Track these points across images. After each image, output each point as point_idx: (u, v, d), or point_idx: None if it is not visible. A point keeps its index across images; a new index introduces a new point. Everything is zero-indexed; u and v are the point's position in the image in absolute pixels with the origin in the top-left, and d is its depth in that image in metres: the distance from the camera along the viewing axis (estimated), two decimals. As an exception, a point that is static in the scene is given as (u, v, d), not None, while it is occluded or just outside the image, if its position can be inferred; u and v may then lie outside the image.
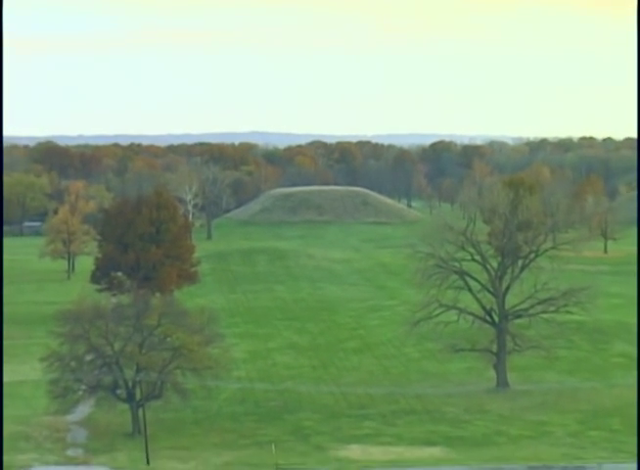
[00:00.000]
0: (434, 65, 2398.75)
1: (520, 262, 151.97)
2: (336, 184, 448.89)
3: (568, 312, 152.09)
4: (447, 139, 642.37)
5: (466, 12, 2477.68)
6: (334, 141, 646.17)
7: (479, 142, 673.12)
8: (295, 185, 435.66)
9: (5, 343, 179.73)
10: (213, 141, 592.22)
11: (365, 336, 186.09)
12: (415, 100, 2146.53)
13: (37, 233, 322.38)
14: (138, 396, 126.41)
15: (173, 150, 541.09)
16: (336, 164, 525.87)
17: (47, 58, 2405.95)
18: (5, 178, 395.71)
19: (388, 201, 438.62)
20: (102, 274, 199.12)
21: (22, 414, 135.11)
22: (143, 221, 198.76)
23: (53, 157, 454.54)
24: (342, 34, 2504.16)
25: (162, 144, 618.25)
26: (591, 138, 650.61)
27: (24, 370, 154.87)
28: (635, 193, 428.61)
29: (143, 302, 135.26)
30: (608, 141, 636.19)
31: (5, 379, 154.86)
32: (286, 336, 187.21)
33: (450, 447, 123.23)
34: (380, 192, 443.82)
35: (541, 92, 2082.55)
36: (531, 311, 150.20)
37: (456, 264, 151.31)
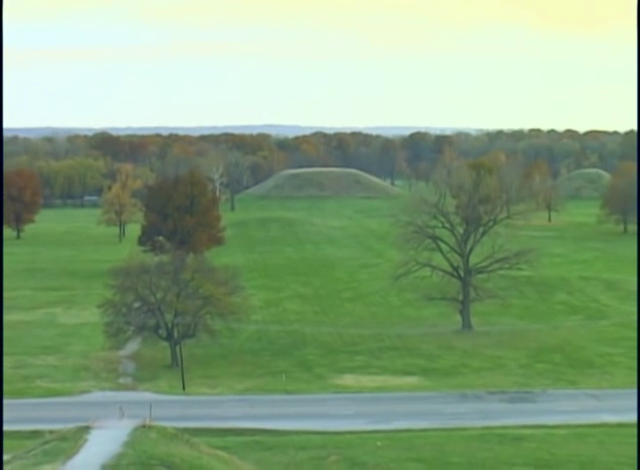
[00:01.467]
0: (413, 70, 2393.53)
1: (481, 229, 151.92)
2: (334, 166, 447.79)
3: (519, 269, 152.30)
4: (423, 130, 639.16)
5: (439, 29, 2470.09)
6: (332, 132, 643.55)
7: (448, 133, 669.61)
8: (301, 167, 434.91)
9: (69, 293, 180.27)
10: (236, 132, 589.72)
11: (357, 288, 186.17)
12: (398, 99, 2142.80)
13: (95, 205, 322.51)
14: (176, 335, 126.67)
15: (204, 139, 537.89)
16: (334, 150, 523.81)
17: (103, 65, 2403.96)
18: (69, 161, 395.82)
19: (376, 180, 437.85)
20: (146, 238, 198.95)
21: (83, 350, 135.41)
22: (179, 196, 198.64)
23: (107, 144, 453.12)
24: (340, 46, 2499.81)
25: (195, 134, 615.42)
26: (538, 130, 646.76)
27: (85, 315, 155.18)
28: (574, 173, 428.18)
29: (180, 260, 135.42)
30: (552, 132, 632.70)
31: (69, 322, 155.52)
32: (293, 288, 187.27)
33: (425, 377, 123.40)
34: (369, 173, 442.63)
35: (498, 92, 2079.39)
36: (490, 268, 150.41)
37: (430, 231, 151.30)
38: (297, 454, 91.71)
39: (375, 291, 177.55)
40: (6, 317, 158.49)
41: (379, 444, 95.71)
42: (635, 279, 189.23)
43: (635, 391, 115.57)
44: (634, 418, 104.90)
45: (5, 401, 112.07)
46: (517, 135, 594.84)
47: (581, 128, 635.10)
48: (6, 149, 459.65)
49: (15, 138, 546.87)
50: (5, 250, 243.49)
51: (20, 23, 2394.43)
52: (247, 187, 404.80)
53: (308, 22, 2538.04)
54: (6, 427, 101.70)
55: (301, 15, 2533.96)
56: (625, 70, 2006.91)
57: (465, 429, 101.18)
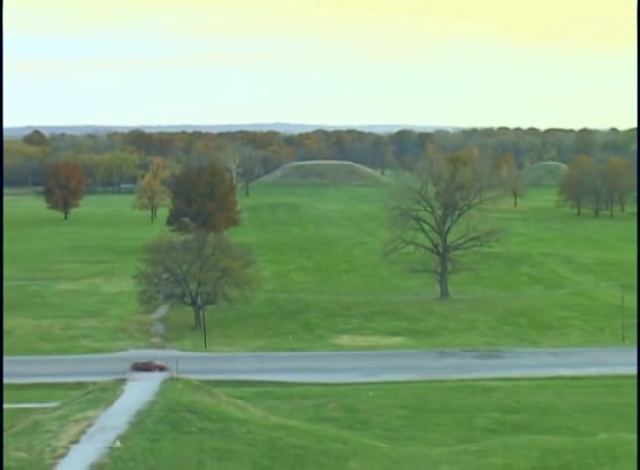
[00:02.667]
0: (400, 77, 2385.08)
1: (457, 212, 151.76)
2: (332, 159, 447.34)
3: (489, 246, 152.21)
4: (408, 128, 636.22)
5: (422, 42, 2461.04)
6: (331, 130, 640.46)
7: (429, 131, 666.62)
8: (304, 159, 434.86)
9: (108, 266, 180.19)
10: (249, 130, 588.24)
11: (352, 261, 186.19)
12: (387, 101, 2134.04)
13: (130, 192, 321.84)
14: (199, 302, 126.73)
15: (222, 136, 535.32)
16: (332, 145, 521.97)
17: (137, 72, 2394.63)
18: (108, 155, 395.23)
19: (368, 170, 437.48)
20: (174, 220, 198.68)
21: (121, 314, 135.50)
22: (202, 184, 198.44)
23: (141, 140, 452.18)
24: (338, 57, 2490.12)
25: (215, 132, 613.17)
26: (506, 128, 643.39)
27: (122, 284, 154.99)
28: (536, 165, 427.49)
29: (202, 238, 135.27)
30: (517, 130, 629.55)
31: (109, 290, 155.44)
32: (298, 261, 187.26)
33: (409, 337, 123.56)
34: (362, 164, 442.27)
35: (471, 96, 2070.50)
36: (465, 245, 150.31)
37: (414, 213, 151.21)
38: (302, 402, 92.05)
39: (367, 264, 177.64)
40: (56, 287, 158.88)
41: (370, 393, 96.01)
42: (588, 254, 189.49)
43: (586, 348, 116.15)
44: (587, 372, 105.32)
45: (54, 357, 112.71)
46: (487, 133, 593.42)
47: (542, 127, 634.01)
48: (54, 144, 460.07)
49: (62, 135, 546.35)
50: (54, 229, 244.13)
51: (71, 39, 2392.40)
52: (259, 176, 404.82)
53: (311, 37, 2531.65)
54: (55, 379, 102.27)
55: (305, 31, 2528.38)
56: (578, 75, 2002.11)
57: (443, 381, 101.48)
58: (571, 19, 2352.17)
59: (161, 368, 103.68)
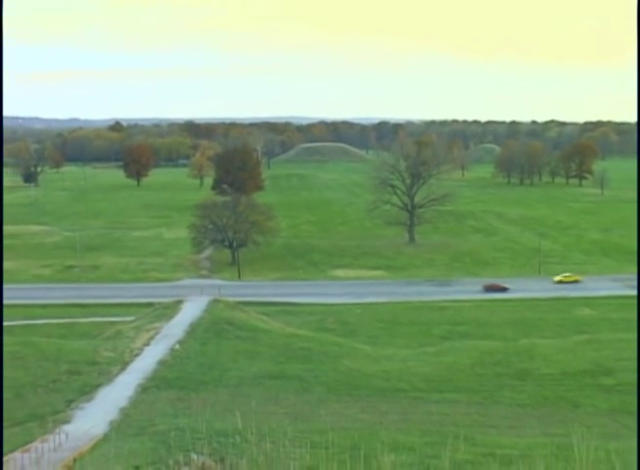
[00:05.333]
0: (379, 83, 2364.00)
1: (421, 181, 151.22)
2: (331, 142, 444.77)
3: (444, 205, 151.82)
4: (386, 120, 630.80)
5: (393, 56, 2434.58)
6: (330, 121, 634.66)
7: (401, 122, 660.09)
8: (311, 142, 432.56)
9: (169, 219, 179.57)
10: (271, 121, 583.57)
11: (345, 217, 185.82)
12: (370, 100, 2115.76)
13: (185, 166, 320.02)
14: (234, 245, 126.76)
15: (251, 125, 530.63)
16: (331, 132, 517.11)
17: (191, 79, 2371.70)
18: (169, 139, 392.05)
19: (357, 151, 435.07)
20: (217, 186, 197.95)
21: (178, 254, 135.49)
22: (237, 160, 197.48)
23: (192, 128, 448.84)
24: (334, 67, 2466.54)
25: (246, 122, 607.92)
26: (456, 120, 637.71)
27: (179, 233, 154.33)
28: (478, 147, 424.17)
29: (237, 199, 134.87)
30: (464, 122, 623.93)
31: (170, 237, 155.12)
32: (306, 217, 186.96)
33: (386, 271, 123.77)
34: (353, 146, 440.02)
35: (432, 97, 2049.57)
36: (427, 205, 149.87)
37: (390, 181, 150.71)
38: (308, 317, 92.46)
39: (356, 218, 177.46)
40: (131, 234, 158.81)
41: (358, 311, 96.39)
42: (515, 211, 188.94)
43: (512, 279, 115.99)
44: (513, 295, 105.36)
45: (130, 285, 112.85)
46: (443, 123, 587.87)
47: (483, 119, 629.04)
48: (130, 131, 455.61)
49: (136, 125, 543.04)
50: (129, 193, 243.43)
51: (141, 54, 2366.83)
52: (277, 155, 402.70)
53: (315, 53, 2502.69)
54: (131, 300, 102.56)
55: (311, 49, 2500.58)
56: (509, 81, 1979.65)
57: (409, 302, 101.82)
58: (501, 40, 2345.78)
59: (504, 288, 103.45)
